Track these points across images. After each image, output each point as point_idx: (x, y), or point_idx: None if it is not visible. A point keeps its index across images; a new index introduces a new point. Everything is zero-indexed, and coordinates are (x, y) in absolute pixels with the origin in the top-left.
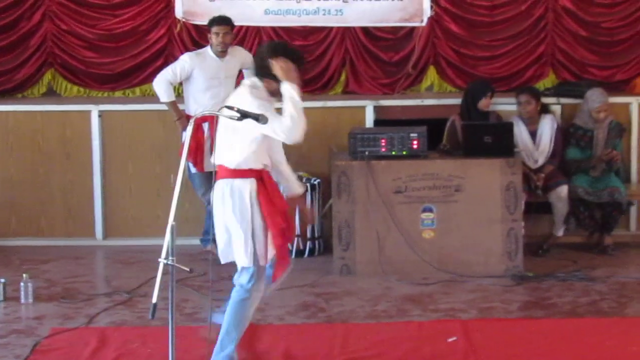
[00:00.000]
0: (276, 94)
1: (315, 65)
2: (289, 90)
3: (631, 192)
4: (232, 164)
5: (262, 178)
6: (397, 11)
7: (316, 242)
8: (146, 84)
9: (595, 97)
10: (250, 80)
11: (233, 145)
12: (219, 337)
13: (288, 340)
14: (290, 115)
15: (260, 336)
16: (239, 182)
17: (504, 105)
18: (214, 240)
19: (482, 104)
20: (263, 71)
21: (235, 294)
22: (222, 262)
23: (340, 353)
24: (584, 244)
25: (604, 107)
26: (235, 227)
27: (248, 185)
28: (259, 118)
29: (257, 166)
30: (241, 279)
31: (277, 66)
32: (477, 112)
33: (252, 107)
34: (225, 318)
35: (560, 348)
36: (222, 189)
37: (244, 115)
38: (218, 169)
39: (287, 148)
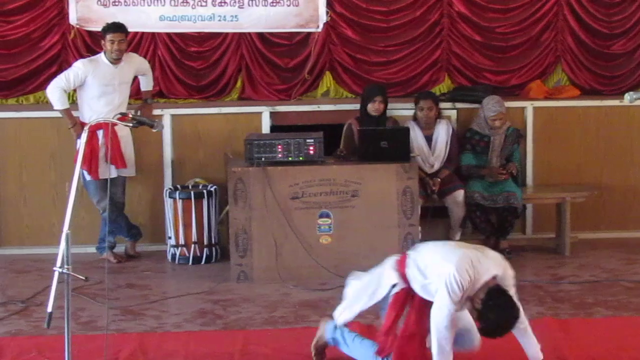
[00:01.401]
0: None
1: (210, 71)
2: None
3: (527, 196)
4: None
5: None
6: (292, 17)
7: (213, 249)
8: (40, 91)
9: (491, 105)
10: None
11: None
12: None
13: (187, 348)
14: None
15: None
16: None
17: (401, 110)
18: (111, 248)
19: (371, 108)
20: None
21: None
22: None
23: None
24: None
25: (499, 115)
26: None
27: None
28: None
29: None
30: None
31: None
32: (370, 117)
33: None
34: None
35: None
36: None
37: (139, 122)
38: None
39: (184, 153)
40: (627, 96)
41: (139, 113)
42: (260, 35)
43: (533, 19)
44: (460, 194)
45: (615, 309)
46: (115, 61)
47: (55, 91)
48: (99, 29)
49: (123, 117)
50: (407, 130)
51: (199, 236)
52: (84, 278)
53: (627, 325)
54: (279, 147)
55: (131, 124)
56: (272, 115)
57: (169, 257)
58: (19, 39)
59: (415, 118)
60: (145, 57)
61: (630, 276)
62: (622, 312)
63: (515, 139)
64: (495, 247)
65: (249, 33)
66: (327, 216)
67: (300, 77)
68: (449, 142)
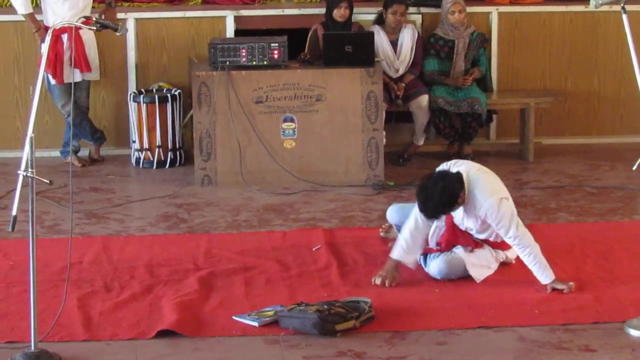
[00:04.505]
0: None
1: None
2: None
3: (491, 102)
4: None
5: None
6: None
7: (177, 153)
8: None
9: None
10: None
11: None
12: None
13: (151, 251)
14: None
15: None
16: None
17: (366, 15)
18: (75, 152)
19: (337, 14)
20: None
21: None
22: None
23: (205, 263)
24: (444, 153)
25: (458, 7)
26: None
27: None
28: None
29: None
30: None
31: None
32: (336, 23)
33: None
34: None
35: None
36: None
37: (103, 26)
38: None
39: (148, 57)
40: (592, 1)
41: (102, 17)
42: None
43: None
44: (424, 99)
45: (578, 214)
46: None
47: None
48: None
49: (87, 20)
50: (372, 34)
51: (163, 140)
52: (48, 182)
53: (589, 231)
54: (243, 51)
55: (95, 28)
56: (236, 19)
57: (133, 161)
58: None
59: (379, 22)
60: None
61: (593, 182)
62: (585, 217)
63: (480, 44)
64: (459, 153)
65: None
66: (291, 120)
67: None
68: (414, 47)
